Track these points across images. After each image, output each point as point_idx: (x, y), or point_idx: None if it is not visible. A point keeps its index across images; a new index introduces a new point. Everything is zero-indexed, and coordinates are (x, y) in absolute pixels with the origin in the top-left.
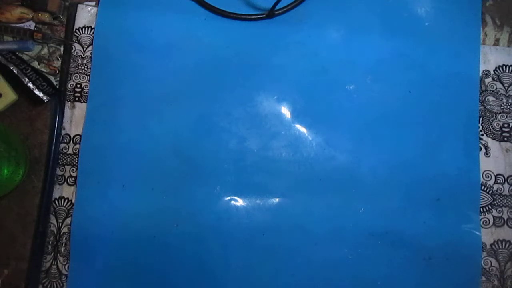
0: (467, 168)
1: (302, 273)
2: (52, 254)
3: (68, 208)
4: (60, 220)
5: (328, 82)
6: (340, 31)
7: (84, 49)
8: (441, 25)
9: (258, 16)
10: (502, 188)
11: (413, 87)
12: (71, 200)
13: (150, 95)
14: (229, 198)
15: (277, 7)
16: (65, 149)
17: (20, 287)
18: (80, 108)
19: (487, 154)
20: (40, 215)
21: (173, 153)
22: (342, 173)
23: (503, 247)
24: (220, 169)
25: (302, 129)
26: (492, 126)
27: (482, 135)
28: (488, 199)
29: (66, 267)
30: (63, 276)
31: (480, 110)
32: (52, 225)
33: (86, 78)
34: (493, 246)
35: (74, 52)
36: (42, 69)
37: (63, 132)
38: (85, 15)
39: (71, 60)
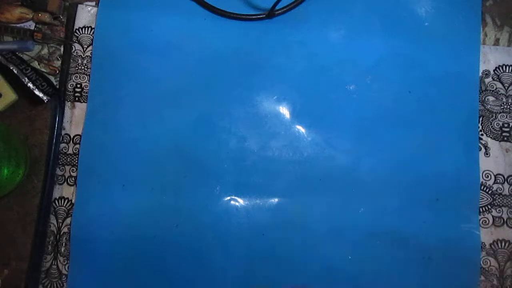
0: (466, 168)
1: (302, 273)
2: (52, 254)
3: (68, 208)
4: (60, 220)
5: (328, 82)
6: (340, 31)
7: (84, 49)
8: (441, 25)
9: (258, 16)
10: (502, 188)
11: (413, 87)
12: (71, 200)
13: (150, 95)
14: (229, 198)
15: (277, 7)
16: (65, 149)
17: (20, 287)
18: (80, 108)
19: (487, 154)
20: (40, 215)
21: (173, 153)
22: (342, 173)
23: (503, 246)
24: (220, 169)
25: (302, 129)
26: (492, 126)
27: (482, 135)
28: (487, 199)
29: (66, 267)
30: (63, 276)
31: (480, 110)
32: (52, 225)
33: (86, 78)
34: (492, 246)
35: (74, 52)
36: (42, 69)
37: (63, 132)
38: (85, 15)
39: (71, 60)
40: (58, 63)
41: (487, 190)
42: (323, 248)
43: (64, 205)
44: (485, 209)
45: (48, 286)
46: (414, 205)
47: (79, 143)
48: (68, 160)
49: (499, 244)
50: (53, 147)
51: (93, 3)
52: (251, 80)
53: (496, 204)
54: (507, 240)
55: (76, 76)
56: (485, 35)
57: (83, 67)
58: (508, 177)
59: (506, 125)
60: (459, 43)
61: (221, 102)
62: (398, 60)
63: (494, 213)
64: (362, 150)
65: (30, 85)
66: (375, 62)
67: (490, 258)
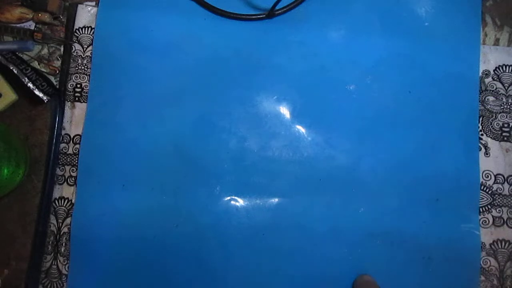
0: (466, 168)
1: (302, 273)
2: (52, 254)
3: (68, 208)
4: (60, 220)
5: (328, 82)
6: (340, 31)
7: (84, 49)
8: (441, 25)
9: (258, 16)
10: (502, 188)
11: (413, 87)
12: (71, 200)
13: (150, 95)
14: (229, 198)
15: (277, 7)
16: (65, 149)
17: (20, 287)
18: (80, 108)
19: (487, 154)
20: (40, 215)
21: (173, 153)
22: (342, 173)
23: (503, 246)
24: (220, 169)
25: (302, 129)
26: (492, 126)
27: (482, 135)
28: (487, 199)
29: (66, 267)
30: (63, 276)
31: (480, 110)
32: (52, 225)
33: (86, 78)
34: (492, 246)
35: (74, 52)
36: (42, 69)
37: (63, 132)
38: (85, 15)
39: (71, 60)
40: (58, 63)
41: (487, 190)
42: (323, 248)
43: (64, 205)
44: (485, 209)
45: (48, 286)
46: (414, 205)
47: (79, 143)
48: (68, 160)
49: (499, 244)
50: (53, 147)
51: (93, 3)
52: (251, 80)
53: (496, 204)
54: (507, 240)
55: (76, 76)
56: (485, 35)
57: (83, 67)
58: (508, 177)
59: (506, 125)
60: (459, 43)
61: (221, 102)
62: (398, 60)
63: (494, 213)
64: (362, 150)
65: (30, 85)
66: (375, 62)
67: (490, 258)
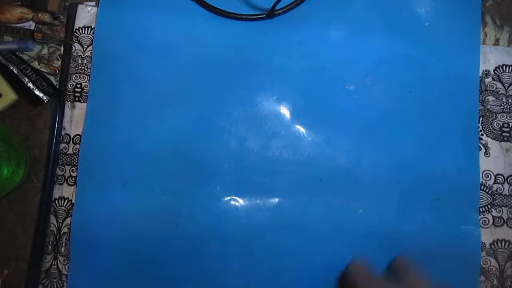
0: (466, 168)
1: (302, 273)
2: (52, 254)
3: (68, 208)
4: (60, 220)
5: (328, 82)
6: (340, 31)
7: (84, 49)
8: (441, 25)
9: (258, 16)
10: (502, 188)
11: (413, 87)
12: (71, 200)
13: (150, 95)
14: (229, 198)
15: (277, 7)
16: (65, 149)
17: (20, 287)
18: (80, 108)
19: (487, 154)
20: (40, 215)
21: (173, 153)
22: (342, 173)
23: (503, 246)
24: (220, 169)
25: (302, 129)
26: (492, 126)
27: (482, 135)
28: (487, 199)
29: (66, 267)
30: (63, 276)
31: (480, 110)
32: (52, 225)
33: (86, 78)
34: (492, 246)
35: (74, 52)
36: (42, 69)
37: (63, 132)
38: (85, 15)
39: (71, 60)
40: (58, 63)
41: (487, 190)
42: (323, 248)
43: (64, 205)
44: (485, 209)
45: (48, 286)
46: (414, 205)
47: (79, 143)
48: (68, 160)
49: (499, 244)
50: (53, 147)
51: (93, 3)
52: (251, 80)
53: (496, 204)
54: (507, 240)
55: (76, 76)
56: (485, 35)
57: (83, 67)
58: (508, 177)
59: (506, 125)
60: (459, 43)
61: (221, 102)
62: (398, 60)
63: (494, 213)
64: (362, 150)
65: (30, 85)
66: (375, 62)
67: (490, 258)
